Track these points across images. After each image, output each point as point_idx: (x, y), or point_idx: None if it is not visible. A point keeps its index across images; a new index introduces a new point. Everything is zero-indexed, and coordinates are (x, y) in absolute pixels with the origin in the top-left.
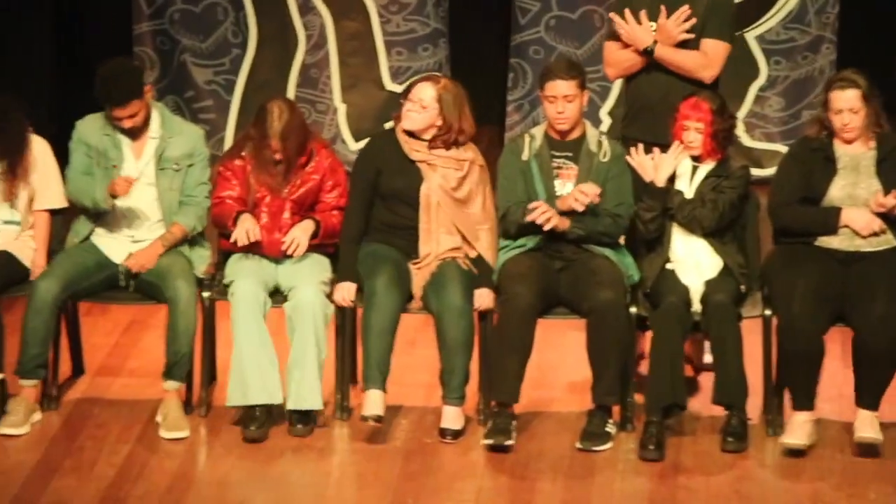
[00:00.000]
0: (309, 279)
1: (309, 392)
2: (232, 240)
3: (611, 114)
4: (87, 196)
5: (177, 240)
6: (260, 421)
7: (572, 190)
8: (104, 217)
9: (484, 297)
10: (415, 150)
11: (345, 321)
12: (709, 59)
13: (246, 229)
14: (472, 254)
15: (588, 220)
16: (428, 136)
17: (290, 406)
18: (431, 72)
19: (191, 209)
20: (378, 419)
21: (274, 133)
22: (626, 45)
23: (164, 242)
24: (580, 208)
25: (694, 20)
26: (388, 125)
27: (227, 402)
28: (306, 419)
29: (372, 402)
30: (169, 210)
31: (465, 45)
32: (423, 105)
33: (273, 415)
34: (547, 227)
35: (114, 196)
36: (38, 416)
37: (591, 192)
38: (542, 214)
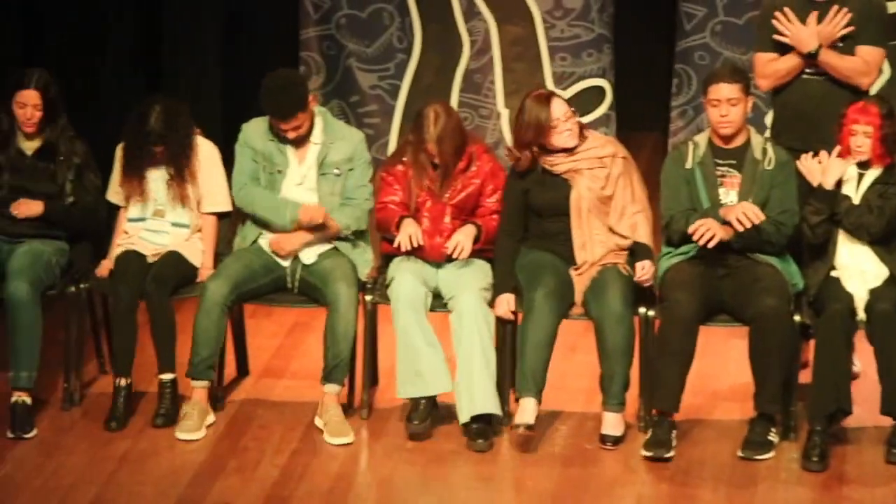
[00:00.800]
0: (469, 286)
1: (483, 398)
2: (395, 244)
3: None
4: (269, 212)
5: (329, 234)
6: (423, 415)
7: (735, 208)
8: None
9: (646, 268)
10: (556, 165)
11: (505, 332)
12: (868, 65)
13: (409, 234)
14: (627, 245)
15: (752, 229)
16: (576, 141)
17: (464, 418)
18: (594, 79)
19: (348, 209)
20: (529, 427)
21: (430, 137)
22: (781, 54)
23: (313, 232)
24: (741, 229)
25: (852, 27)
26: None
27: (398, 394)
28: (485, 433)
29: (524, 411)
30: (330, 214)
31: (630, 50)
32: (568, 117)
33: (436, 409)
34: (712, 245)
35: (300, 224)
36: (211, 418)
37: (753, 216)
38: (704, 235)
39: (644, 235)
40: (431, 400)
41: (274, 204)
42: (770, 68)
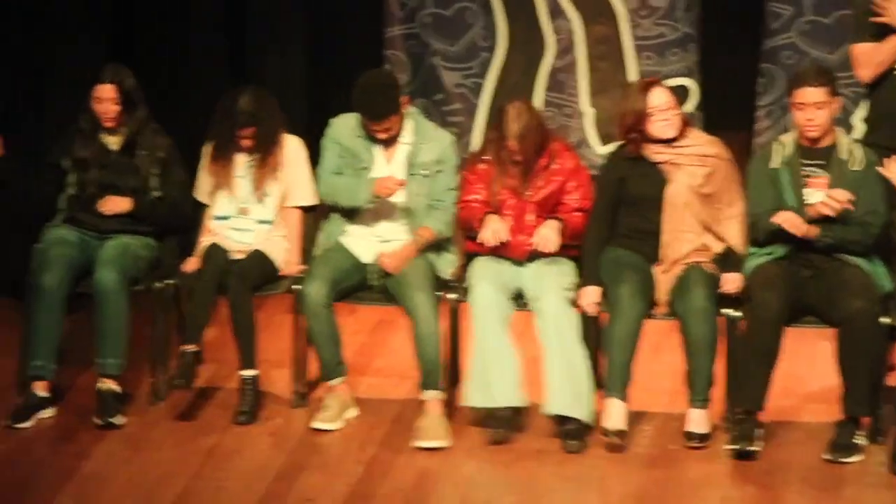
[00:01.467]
0: (552, 287)
1: (571, 400)
2: (479, 240)
3: (865, 121)
4: (348, 194)
5: (427, 242)
6: (505, 422)
7: (824, 195)
8: (354, 219)
9: (732, 281)
10: (657, 153)
11: (588, 327)
12: None
13: (493, 229)
14: (719, 248)
15: (837, 229)
16: (674, 133)
17: (553, 411)
18: (680, 78)
19: (439, 213)
20: (620, 434)
21: (511, 134)
22: (880, 41)
23: (416, 245)
24: (832, 213)
25: None
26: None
27: (464, 402)
28: (577, 434)
29: (613, 415)
30: (415, 215)
31: (716, 49)
32: (670, 106)
33: (518, 417)
34: (799, 234)
35: (377, 196)
36: (353, 411)
37: (842, 198)
38: (790, 224)
39: (739, 244)
40: (511, 409)
41: (350, 185)
42: (868, 56)
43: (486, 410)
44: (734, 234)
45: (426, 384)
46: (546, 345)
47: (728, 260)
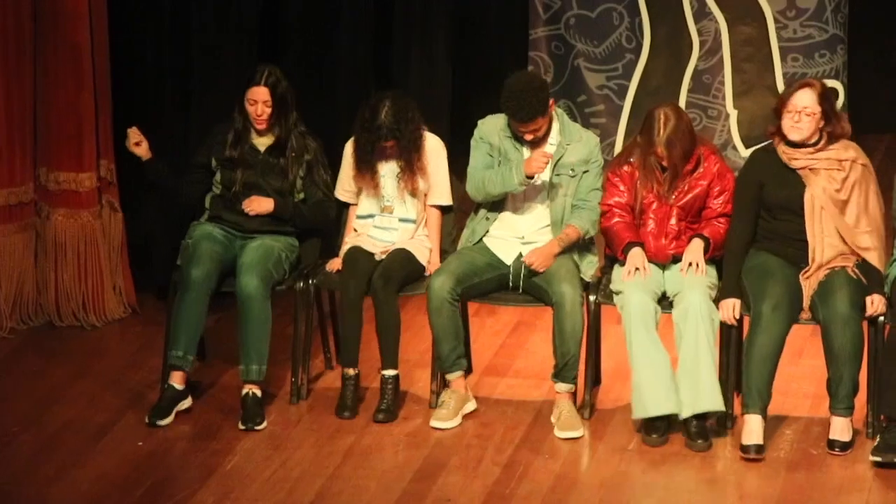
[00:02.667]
0: (695, 284)
1: (707, 394)
2: (623, 278)
3: None
4: (500, 180)
5: (571, 241)
6: (661, 430)
7: None
8: (498, 218)
9: (876, 302)
10: (794, 159)
11: (730, 337)
12: None
13: (637, 266)
14: (861, 259)
15: None
16: (813, 140)
17: (685, 414)
18: (827, 80)
19: (585, 213)
20: (758, 450)
21: (660, 140)
22: None
23: (560, 243)
24: None
25: None
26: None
27: (633, 415)
28: (705, 433)
29: (750, 430)
30: (560, 215)
31: (864, 51)
32: (808, 112)
33: (673, 424)
34: None
35: (529, 176)
36: (471, 405)
37: None
38: None
39: (876, 258)
40: (668, 418)
41: (501, 171)
42: None
43: (647, 421)
44: (871, 247)
45: (562, 376)
46: (687, 339)
47: (869, 276)
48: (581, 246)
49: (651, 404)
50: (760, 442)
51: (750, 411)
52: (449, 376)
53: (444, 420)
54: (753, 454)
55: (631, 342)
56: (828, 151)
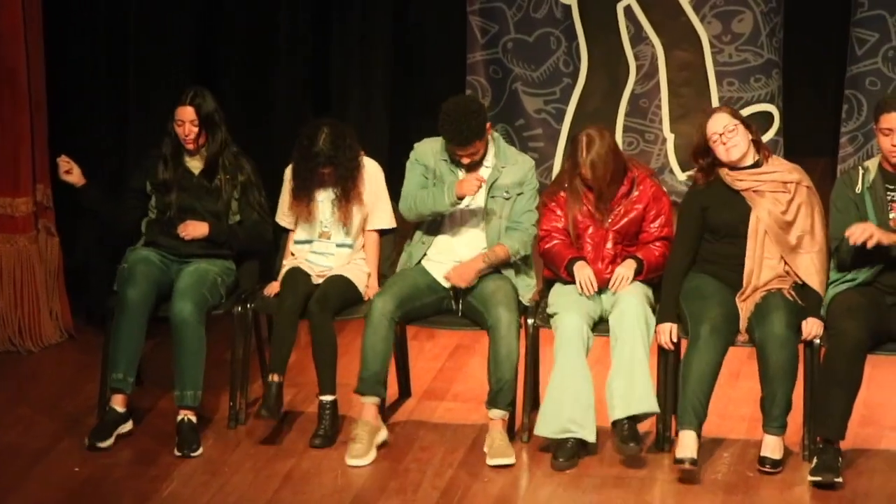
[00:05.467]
0: (632, 291)
1: (641, 396)
2: (572, 292)
3: None
4: (432, 201)
5: (499, 259)
6: (570, 453)
7: None
8: (433, 242)
9: (812, 327)
10: (739, 181)
11: (667, 361)
12: None
13: (587, 278)
14: (799, 281)
15: None
16: (748, 160)
17: (618, 415)
18: (762, 104)
19: (516, 234)
20: (693, 462)
21: (584, 161)
22: None
23: (486, 260)
24: None
25: None
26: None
27: (535, 430)
28: (636, 436)
29: (685, 445)
30: (495, 237)
31: (799, 76)
32: (730, 129)
33: (583, 452)
34: (871, 244)
35: (460, 197)
36: (383, 434)
37: None
38: (861, 233)
39: (818, 282)
40: (578, 441)
41: (433, 192)
42: None
43: (557, 442)
44: (811, 269)
45: (496, 402)
46: (622, 340)
47: (806, 298)
48: (517, 269)
49: (566, 424)
50: (694, 456)
51: (685, 427)
52: (364, 399)
53: (359, 457)
54: (688, 465)
55: (559, 362)
56: (772, 174)
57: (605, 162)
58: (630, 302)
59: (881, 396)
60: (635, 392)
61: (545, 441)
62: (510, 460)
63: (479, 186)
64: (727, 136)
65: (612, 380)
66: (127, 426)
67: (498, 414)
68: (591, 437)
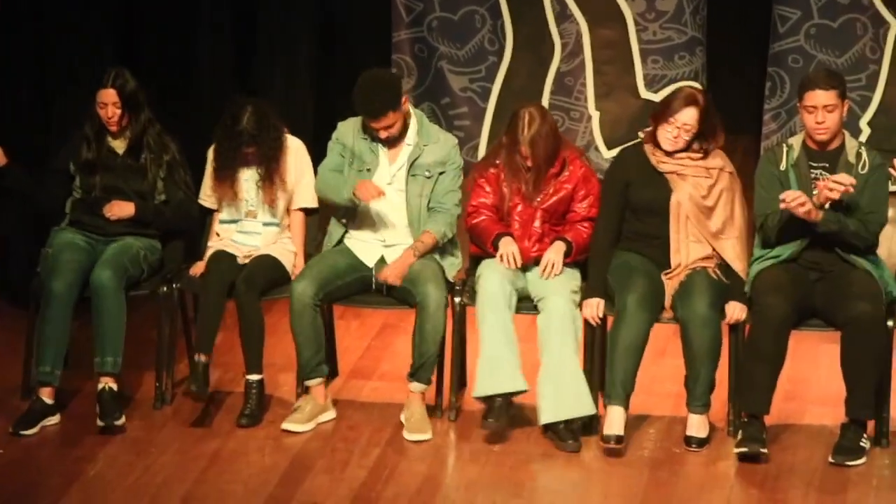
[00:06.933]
0: (558, 290)
1: (574, 400)
2: (497, 262)
3: (870, 124)
4: (333, 189)
5: (428, 248)
6: (498, 413)
7: (827, 179)
8: (357, 221)
9: (735, 310)
10: (663, 162)
11: (594, 337)
12: None
13: (511, 253)
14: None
15: (840, 216)
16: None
17: (547, 419)
18: (687, 81)
19: (441, 216)
20: (619, 440)
21: (524, 139)
22: None
23: (416, 252)
24: (835, 196)
25: None
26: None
27: (473, 394)
28: (575, 433)
29: (612, 421)
30: (416, 216)
31: (722, 53)
32: (688, 129)
33: (513, 408)
34: (801, 212)
35: (357, 198)
36: (329, 414)
37: (845, 181)
38: (794, 199)
39: (740, 268)
40: (507, 399)
41: (337, 181)
42: None
43: (487, 403)
44: (733, 254)
45: (418, 376)
46: (551, 345)
47: (730, 281)
48: (443, 249)
49: (496, 382)
50: (621, 433)
51: (612, 402)
52: (308, 383)
53: (297, 423)
54: (614, 444)
55: (483, 321)
56: (696, 159)
57: (545, 140)
58: (556, 304)
59: (805, 372)
60: (567, 396)
61: (474, 420)
62: (427, 436)
63: (377, 197)
64: (683, 132)
65: (541, 384)
66: (54, 419)
67: (418, 387)
68: (522, 386)
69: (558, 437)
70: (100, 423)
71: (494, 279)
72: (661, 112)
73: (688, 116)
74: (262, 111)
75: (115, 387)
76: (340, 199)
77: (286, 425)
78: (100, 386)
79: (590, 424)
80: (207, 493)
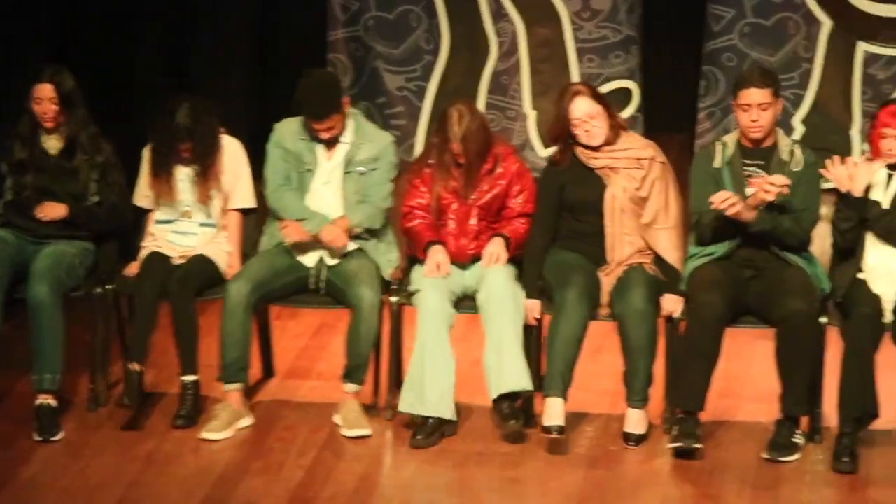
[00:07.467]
0: (499, 268)
1: (513, 374)
2: (424, 274)
3: (805, 122)
4: (280, 210)
5: (345, 229)
6: (428, 432)
7: (761, 179)
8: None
9: (671, 303)
10: (594, 158)
11: (530, 337)
12: None
13: (437, 262)
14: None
15: (775, 216)
16: (598, 142)
17: (494, 393)
18: (622, 81)
19: (364, 207)
20: (560, 430)
21: (455, 136)
22: None
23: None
24: (770, 198)
25: None
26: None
27: (399, 406)
28: (516, 414)
29: (552, 412)
30: (351, 212)
31: (658, 51)
32: (592, 116)
33: (443, 430)
34: (731, 213)
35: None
36: (247, 420)
37: (779, 181)
38: (724, 201)
39: (675, 258)
40: (438, 421)
41: (301, 215)
42: None
43: (417, 417)
44: (668, 245)
45: (352, 377)
46: (493, 319)
47: (666, 274)
48: (380, 246)
49: (427, 403)
50: (562, 423)
51: (552, 394)
52: (227, 387)
53: (215, 432)
54: (555, 434)
55: (421, 340)
56: (627, 151)
57: (476, 137)
58: (496, 280)
59: (739, 369)
60: (505, 370)
61: (409, 418)
62: (366, 431)
63: (340, 246)
64: (589, 124)
65: (486, 357)
66: None
67: (352, 388)
68: (450, 415)
69: (501, 418)
70: (37, 438)
71: (434, 297)
72: (563, 118)
73: (584, 106)
74: (198, 107)
75: (53, 403)
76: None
77: (204, 434)
78: (38, 402)
79: (529, 413)
80: (143, 496)
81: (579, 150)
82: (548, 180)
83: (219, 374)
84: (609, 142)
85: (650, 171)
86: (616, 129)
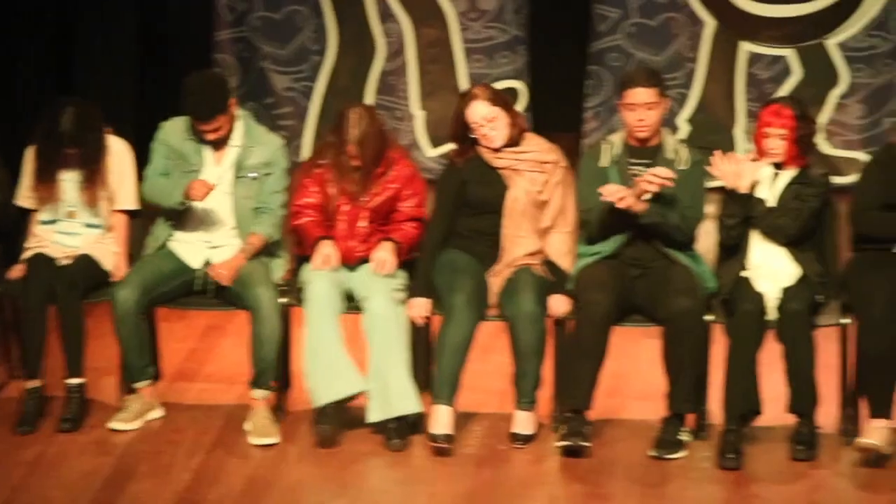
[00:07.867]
0: (381, 289)
1: (400, 398)
2: (311, 267)
3: (690, 121)
4: (164, 194)
5: (256, 249)
6: (330, 418)
7: (646, 173)
8: (181, 222)
9: (558, 304)
10: (497, 158)
11: (418, 336)
12: None
13: (325, 255)
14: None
15: (663, 208)
16: (500, 143)
17: (375, 418)
18: (508, 80)
19: (266, 217)
20: (447, 439)
21: (352, 139)
22: None
23: (246, 254)
24: (654, 189)
25: None
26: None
27: (315, 403)
28: (401, 432)
29: (440, 420)
30: (243, 217)
31: (544, 52)
32: (490, 119)
33: (344, 412)
34: (621, 205)
35: (189, 199)
36: (157, 412)
37: (662, 174)
38: (614, 193)
39: (567, 262)
40: (341, 403)
41: (167, 185)
42: None
43: (316, 410)
44: (562, 249)
45: (259, 383)
46: (376, 344)
47: (555, 275)
48: (269, 248)
49: (327, 391)
50: (450, 431)
51: (440, 402)
52: (136, 386)
53: (124, 422)
54: (443, 443)
55: (311, 329)
56: (531, 153)
57: (373, 140)
58: (378, 304)
59: (626, 367)
60: (394, 394)
61: (300, 420)
62: (274, 439)
63: (208, 193)
64: (486, 127)
65: (371, 383)
66: None
67: (261, 394)
68: (362, 386)
69: (387, 437)
70: None
71: (321, 285)
72: (458, 125)
73: (481, 110)
74: (83, 112)
75: None
76: (172, 203)
77: (113, 424)
78: None
79: (417, 424)
80: (28, 500)
81: (482, 149)
82: (448, 178)
83: (125, 377)
84: (513, 142)
85: (552, 175)
86: (518, 129)
